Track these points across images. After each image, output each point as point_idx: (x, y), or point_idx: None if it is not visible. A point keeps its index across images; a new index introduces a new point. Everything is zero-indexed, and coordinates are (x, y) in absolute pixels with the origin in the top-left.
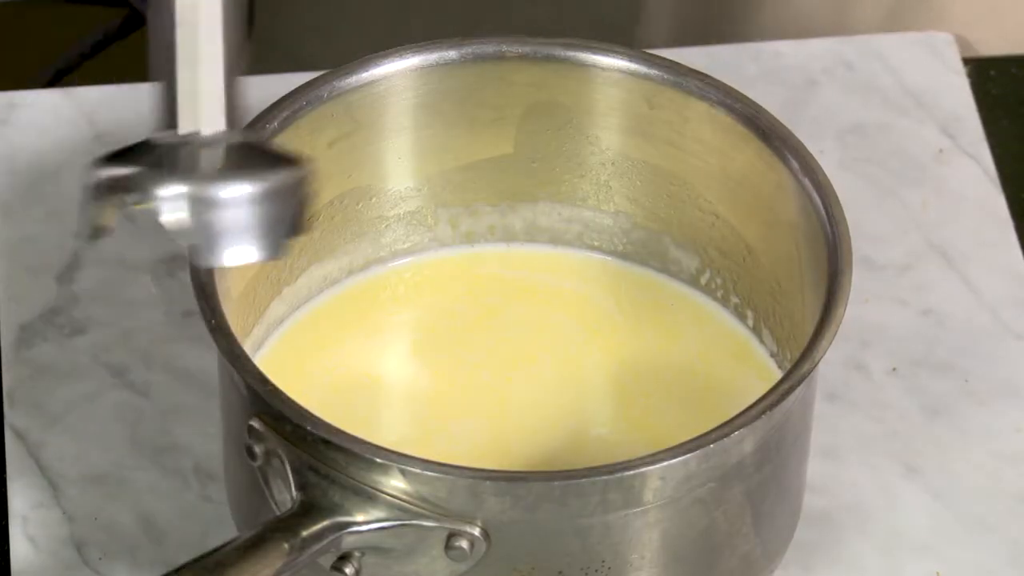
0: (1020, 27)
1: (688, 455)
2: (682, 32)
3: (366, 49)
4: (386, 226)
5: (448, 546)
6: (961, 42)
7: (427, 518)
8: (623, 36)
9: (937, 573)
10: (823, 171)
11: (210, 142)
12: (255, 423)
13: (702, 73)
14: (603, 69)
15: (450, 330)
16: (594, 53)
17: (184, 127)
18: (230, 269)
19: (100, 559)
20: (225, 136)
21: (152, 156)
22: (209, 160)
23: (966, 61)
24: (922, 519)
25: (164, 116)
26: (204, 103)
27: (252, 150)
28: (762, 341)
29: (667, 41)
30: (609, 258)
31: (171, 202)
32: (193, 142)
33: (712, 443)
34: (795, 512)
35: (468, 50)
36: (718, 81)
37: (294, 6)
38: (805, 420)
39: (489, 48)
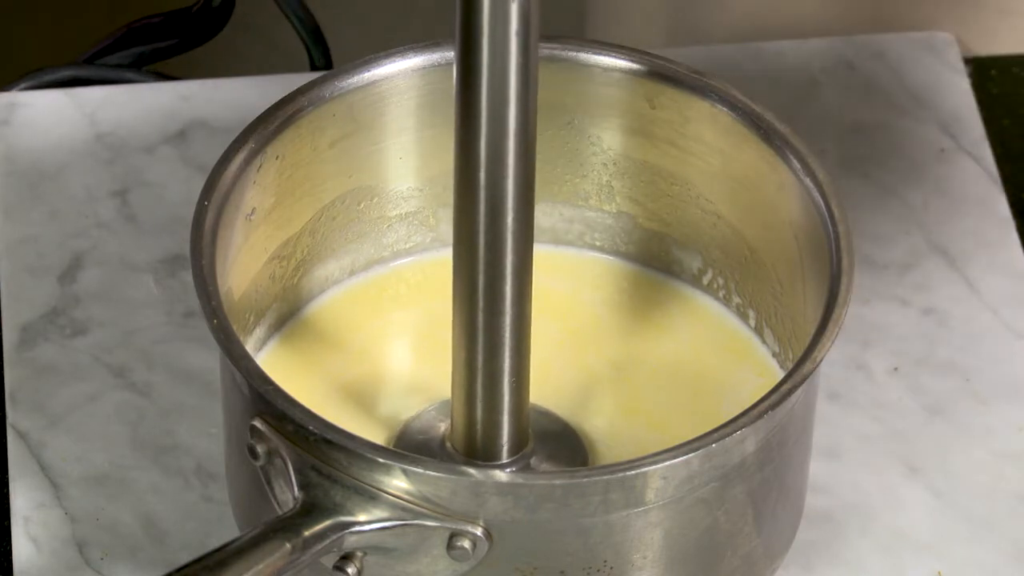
0: (1020, 27)
1: (690, 455)
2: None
3: (366, 49)
4: (388, 226)
5: (450, 546)
6: (961, 42)
7: (429, 518)
8: (622, 35)
9: (939, 573)
10: (824, 171)
11: None
12: (257, 423)
13: (703, 73)
14: (604, 69)
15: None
16: (594, 53)
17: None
18: (231, 269)
19: (102, 559)
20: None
21: None
22: None
23: (967, 61)
24: (923, 519)
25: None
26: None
27: None
28: (764, 341)
29: (666, 41)
30: (611, 258)
31: None
32: None
33: (714, 443)
34: (797, 512)
35: None
36: (719, 81)
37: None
38: (807, 420)
39: None
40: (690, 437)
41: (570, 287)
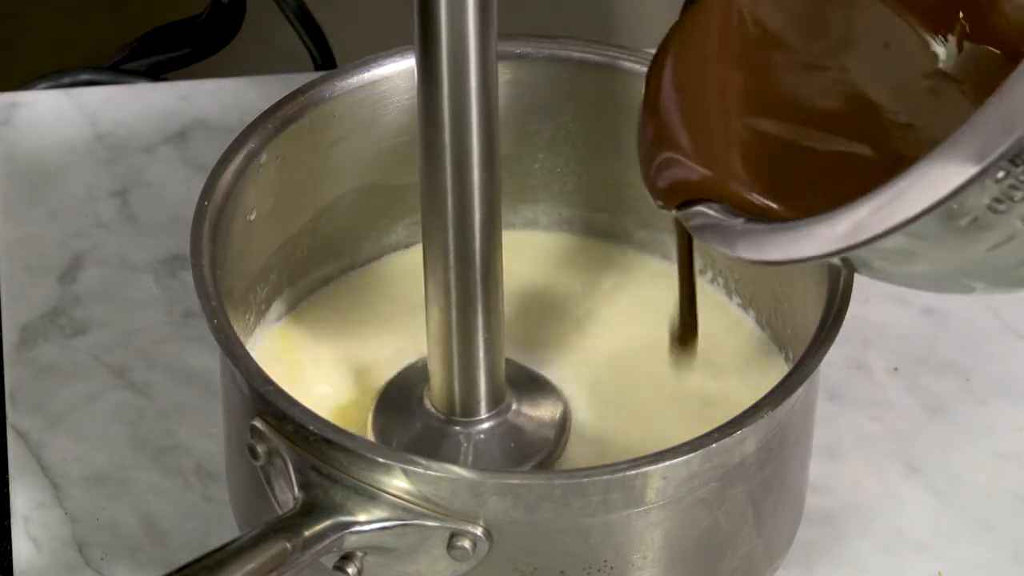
0: None
1: (690, 455)
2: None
3: (366, 49)
4: (388, 226)
5: (450, 546)
6: None
7: (429, 518)
8: (621, 36)
9: (939, 572)
10: None
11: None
12: (257, 423)
13: None
14: (604, 69)
15: None
16: (595, 53)
17: None
18: (231, 269)
19: (102, 559)
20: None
21: None
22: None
23: None
24: (923, 518)
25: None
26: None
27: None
28: (764, 340)
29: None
30: (610, 255)
31: None
32: None
33: (714, 443)
34: (797, 512)
35: None
36: None
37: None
38: (807, 420)
39: None
40: (689, 437)
41: (569, 281)
